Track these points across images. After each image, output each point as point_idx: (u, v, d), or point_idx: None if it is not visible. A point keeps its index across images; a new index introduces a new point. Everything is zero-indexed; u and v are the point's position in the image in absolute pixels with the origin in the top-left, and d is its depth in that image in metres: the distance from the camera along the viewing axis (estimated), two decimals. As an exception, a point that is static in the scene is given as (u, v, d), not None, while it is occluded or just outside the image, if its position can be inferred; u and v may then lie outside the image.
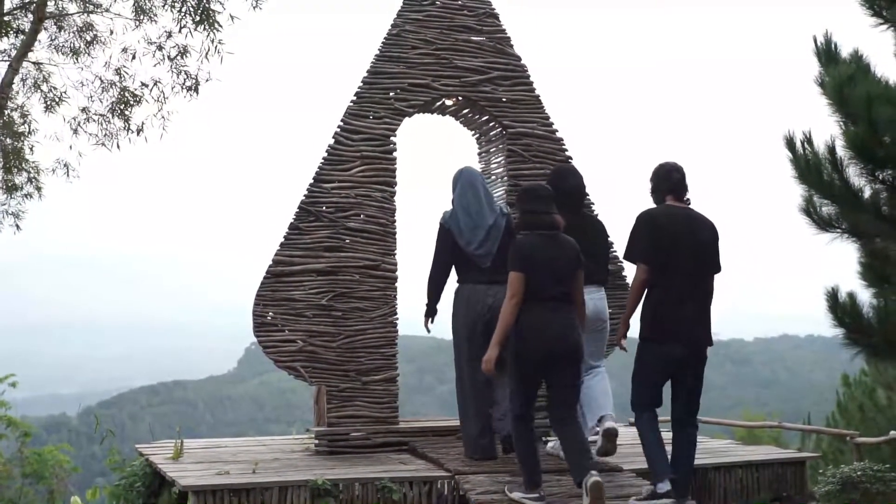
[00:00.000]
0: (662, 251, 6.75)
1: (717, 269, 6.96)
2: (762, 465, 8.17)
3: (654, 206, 7.05)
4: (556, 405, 6.87)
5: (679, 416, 6.96)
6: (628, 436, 8.98)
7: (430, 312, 8.19)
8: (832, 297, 8.84)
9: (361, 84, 8.84)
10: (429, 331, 8.23)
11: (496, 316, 6.97)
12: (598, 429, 7.66)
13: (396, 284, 8.73)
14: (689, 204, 7.00)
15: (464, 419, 8.03)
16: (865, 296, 8.85)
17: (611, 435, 7.54)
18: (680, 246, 6.75)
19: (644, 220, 6.89)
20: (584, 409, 7.77)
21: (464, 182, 8.10)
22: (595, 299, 7.83)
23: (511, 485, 6.92)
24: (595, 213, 9.07)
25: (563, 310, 6.81)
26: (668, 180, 6.99)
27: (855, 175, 8.52)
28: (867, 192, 8.59)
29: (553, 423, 6.95)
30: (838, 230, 8.88)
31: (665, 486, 6.68)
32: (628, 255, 6.98)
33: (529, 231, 6.94)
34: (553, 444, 8.12)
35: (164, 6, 13.56)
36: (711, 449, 8.81)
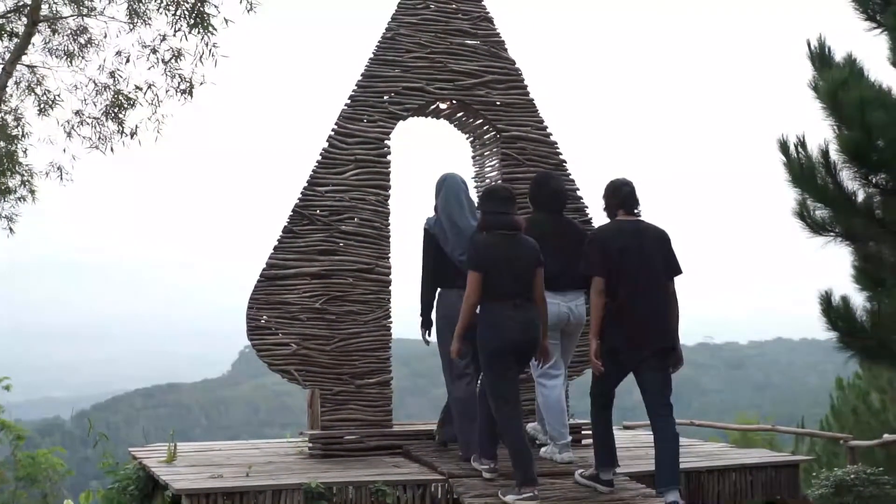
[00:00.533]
0: (613, 263, 7.08)
1: (674, 272, 7.26)
2: (756, 469, 8.18)
3: (607, 221, 7.43)
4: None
5: (654, 409, 7.15)
6: (622, 440, 9.00)
7: (427, 324, 8.25)
8: (826, 300, 8.84)
9: (356, 87, 8.84)
10: (427, 342, 8.29)
11: None
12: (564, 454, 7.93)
13: (390, 288, 8.73)
14: (640, 216, 7.36)
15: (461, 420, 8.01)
16: (859, 299, 8.86)
17: None
18: (628, 257, 7.09)
19: (593, 238, 7.37)
20: (546, 415, 8.04)
21: (448, 190, 8.12)
22: (579, 305, 8.01)
23: (505, 489, 6.93)
24: (589, 216, 9.10)
25: (524, 307, 7.07)
26: (617, 196, 7.35)
27: (848, 179, 8.53)
28: (861, 196, 8.60)
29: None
30: (832, 234, 8.89)
31: (608, 475, 7.12)
32: (584, 270, 7.28)
33: (490, 231, 7.20)
34: (545, 449, 8.16)
35: (158, 9, 13.54)
36: (705, 452, 8.82)
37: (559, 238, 7.95)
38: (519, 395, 7.17)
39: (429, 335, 8.25)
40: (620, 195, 7.33)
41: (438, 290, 8.11)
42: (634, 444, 9.16)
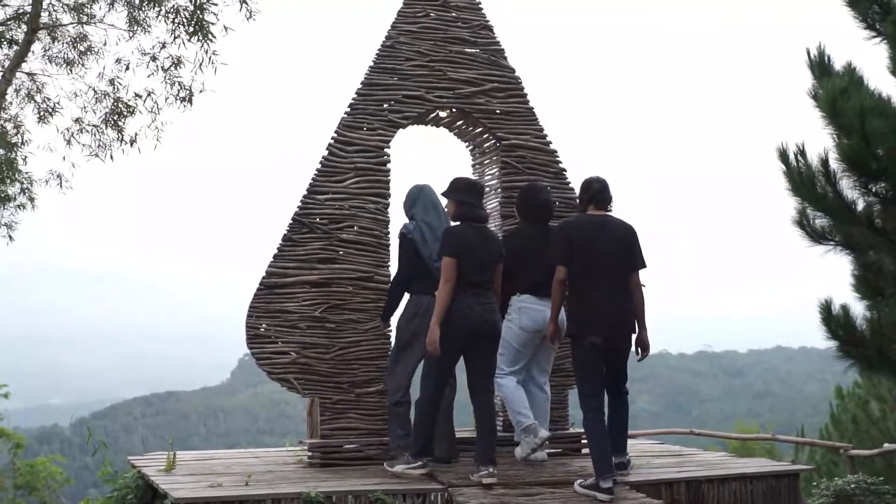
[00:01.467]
0: (577, 254, 7.47)
1: (637, 266, 7.61)
2: (756, 478, 8.15)
3: (576, 215, 8.02)
4: (475, 379, 7.65)
5: (610, 386, 7.68)
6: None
7: (388, 321, 8.59)
8: (826, 309, 8.83)
9: (355, 95, 8.84)
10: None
11: None
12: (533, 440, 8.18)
13: (390, 296, 8.72)
14: (610, 212, 7.74)
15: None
16: (859, 308, 8.84)
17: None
18: (591, 248, 7.46)
19: (559, 228, 7.76)
20: (511, 404, 8.25)
21: (426, 199, 8.31)
22: (563, 312, 8.08)
23: (391, 461, 7.76)
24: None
25: (484, 295, 7.57)
26: (588, 191, 7.72)
27: (848, 187, 8.52)
28: (860, 205, 8.59)
29: (472, 394, 7.67)
30: (832, 242, 8.88)
31: (608, 483, 7.09)
32: (549, 259, 7.76)
33: (462, 221, 7.69)
34: (518, 450, 8.35)
35: (157, 17, 13.55)
36: (705, 461, 8.80)
37: (544, 247, 8.15)
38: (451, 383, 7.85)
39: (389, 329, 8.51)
40: (591, 191, 7.69)
41: (407, 295, 8.30)
42: (633, 453, 9.13)
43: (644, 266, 7.65)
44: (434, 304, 7.60)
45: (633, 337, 7.61)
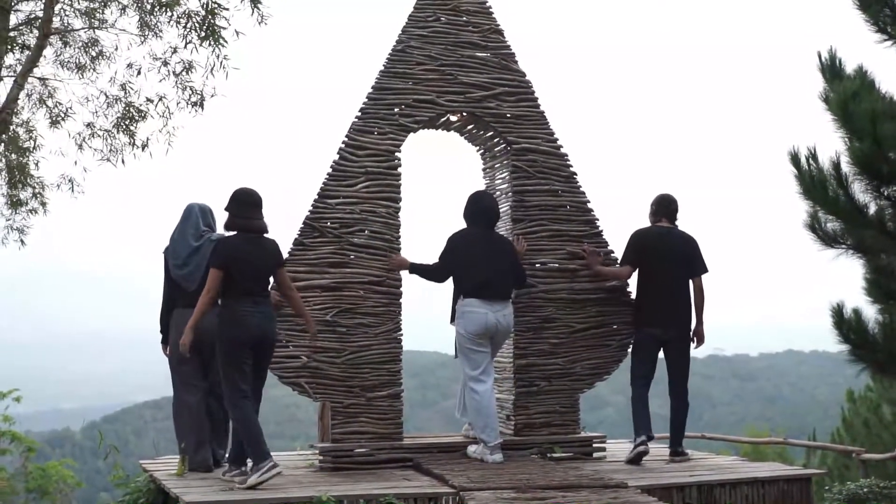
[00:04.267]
0: (645, 259, 8.83)
1: (698, 271, 8.88)
2: (768, 482, 8.13)
3: (648, 225, 8.99)
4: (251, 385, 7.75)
5: (673, 385, 8.96)
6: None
7: (167, 341, 8.61)
8: (837, 312, 8.82)
9: (366, 100, 8.84)
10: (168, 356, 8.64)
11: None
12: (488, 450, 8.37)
13: (401, 300, 8.72)
14: (676, 224, 8.99)
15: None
16: (871, 312, 8.84)
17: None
18: (656, 255, 8.79)
19: (633, 236, 8.94)
20: (477, 419, 8.44)
21: (182, 216, 8.58)
22: (507, 314, 8.56)
23: (230, 472, 7.69)
24: (599, 228, 9.10)
25: (263, 304, 7.71)
26: (661, 205, 8.99)
27: (860, 191, 8.52)
28: (872, 208, 8.58)
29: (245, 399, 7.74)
30: (843, 246, 8.87)
31: (641, 438, 8.64)
32: (620, 261, 9.00)
33: (237, 232, 7.76)
34: (474, 448, 8.53)
35: (169, 22, 13.52)
36: (716, 465, 8.77)
37: (488, 250, 8.53)
38: (251, 387, 7.69)
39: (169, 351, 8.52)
40: (664, 205, 8.95)
41: (175, 310, 8.38)
42: (647, 456, 9.12)
43: (706, 271, 8.91)
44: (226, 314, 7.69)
45: (690, 331, 8.82)
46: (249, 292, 7.61)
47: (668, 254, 8.74)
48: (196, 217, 8.50)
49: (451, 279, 8.63)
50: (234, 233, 7.74)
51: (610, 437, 9.89)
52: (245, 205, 7.76)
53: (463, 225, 8.74)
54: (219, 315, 7.63)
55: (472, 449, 8.54)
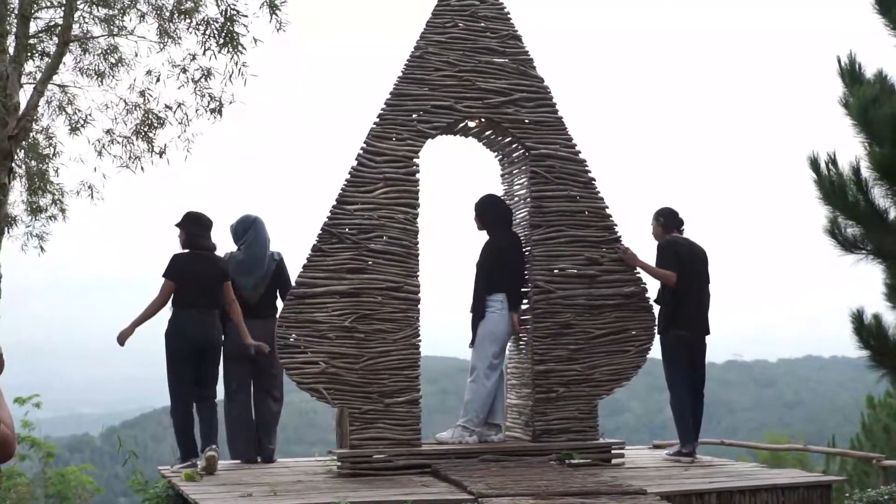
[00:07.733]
0: (683, 265, 9.17)
1: (709, 280, 9.40)
2: (788, 489, 8.09)
3: (676, 235, 9.38)
4: (201, 386, 8.75)
5: (693, 385, 9.31)
6: (653, 460, 8.96)
7: None
8: (857, 318, 8.79)
9: (384, 106, 8.85)
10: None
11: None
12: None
13: (419, 306, 8.72)
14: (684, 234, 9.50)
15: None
16: (891, 317, 8.80)
17: None
18: (689, 262, 9.23)
19: (669, 244, 9.28)
20: (482, 402, 9.00)
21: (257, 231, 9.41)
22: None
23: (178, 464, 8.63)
24: (618, 234, 9.08)
25: (207, 314, 8.70)
26: (675, 218, 9.48)
27: (880, 196, 8.49)
28: (892, 214, 8.55)
29: (196, 399, 8.76)
30: (863, 251, 8.84)
31: (688, 448, 9.19)
32: (663, 266, 9.24)
33: (189, 249, 8.81)
34: (449, 433, 9.02)
35: (188, 29, 13.57)
36: (735, 472, 8.74)
37: (516, 249, 9.15)
38: (192, 390, 8.69)
39: None
40: (677, 218, 9.47)
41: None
42: (665, 463, 9.09)
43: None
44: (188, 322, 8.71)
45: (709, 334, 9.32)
46: (193, 304, 8.62)
47: (698, 262, 9.28)
48: (265, 231, 9.48)
49: (488, 274, 9.08)
50: (187, 251, 8.79)
51: (628, 442, 9.87)
52: (196, 225, 8.84)
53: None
54: (169, 324, 8.65)
55: (445, 434, 9.00)
